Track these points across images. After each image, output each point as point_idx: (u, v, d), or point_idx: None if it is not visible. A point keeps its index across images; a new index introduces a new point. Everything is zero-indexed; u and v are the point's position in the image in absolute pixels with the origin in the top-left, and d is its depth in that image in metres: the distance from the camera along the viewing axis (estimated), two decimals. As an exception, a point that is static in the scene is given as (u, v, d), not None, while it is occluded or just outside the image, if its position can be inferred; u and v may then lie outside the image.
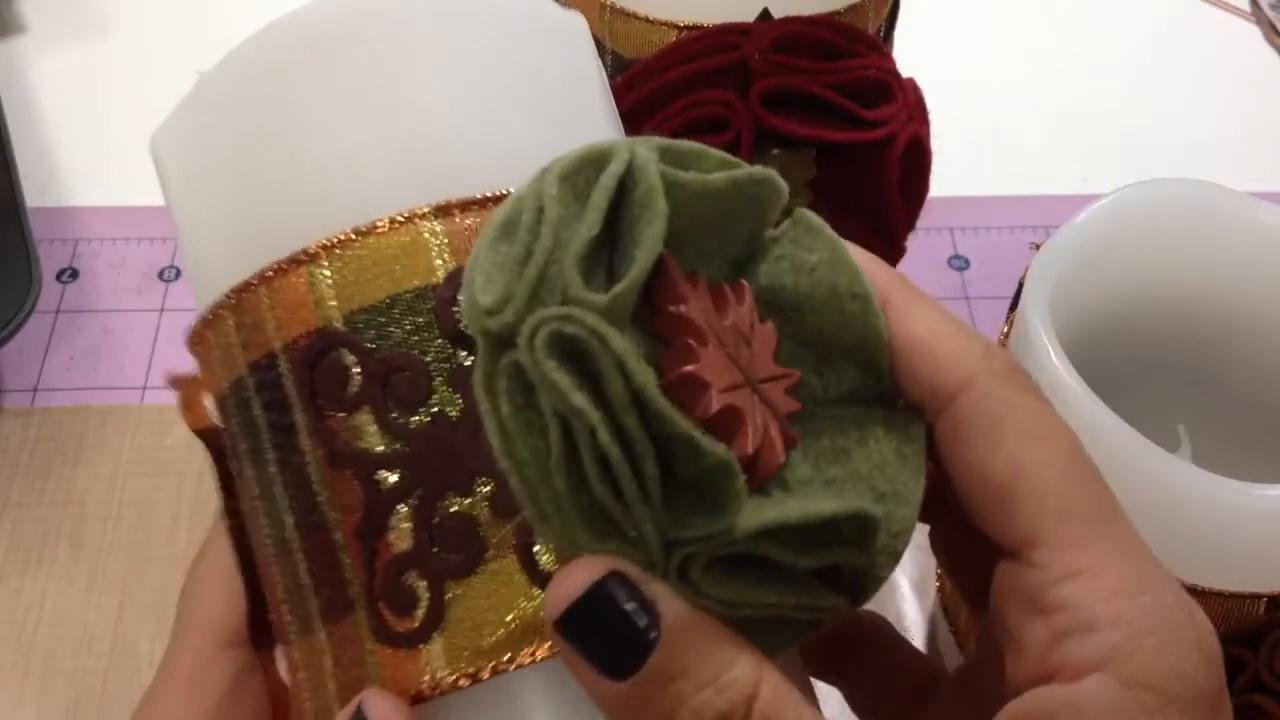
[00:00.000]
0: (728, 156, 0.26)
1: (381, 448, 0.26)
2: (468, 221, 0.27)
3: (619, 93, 0.44)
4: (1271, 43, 0.74)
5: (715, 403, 0.24)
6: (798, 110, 0.44)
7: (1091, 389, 0.36)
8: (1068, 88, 0.72)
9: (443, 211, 0.27)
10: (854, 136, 0.44)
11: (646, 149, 0.24)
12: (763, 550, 0.24)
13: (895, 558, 0.25)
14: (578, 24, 0.31)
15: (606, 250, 0.24)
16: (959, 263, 0.62)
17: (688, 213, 0.25)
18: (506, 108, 0.29)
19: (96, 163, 0.65)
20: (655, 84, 0.44)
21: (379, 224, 0.27)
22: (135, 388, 0.56)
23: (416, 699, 0.26)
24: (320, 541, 0.27)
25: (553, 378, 0.22)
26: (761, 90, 0.43)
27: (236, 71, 0.29)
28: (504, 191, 0.27)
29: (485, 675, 0.26)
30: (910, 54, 0.52)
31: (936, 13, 0.73)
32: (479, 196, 0.27)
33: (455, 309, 0.26)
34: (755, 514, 0.23)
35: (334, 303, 0.27)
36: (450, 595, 0.26)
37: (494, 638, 0.26)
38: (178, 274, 0.60)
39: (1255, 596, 0.35)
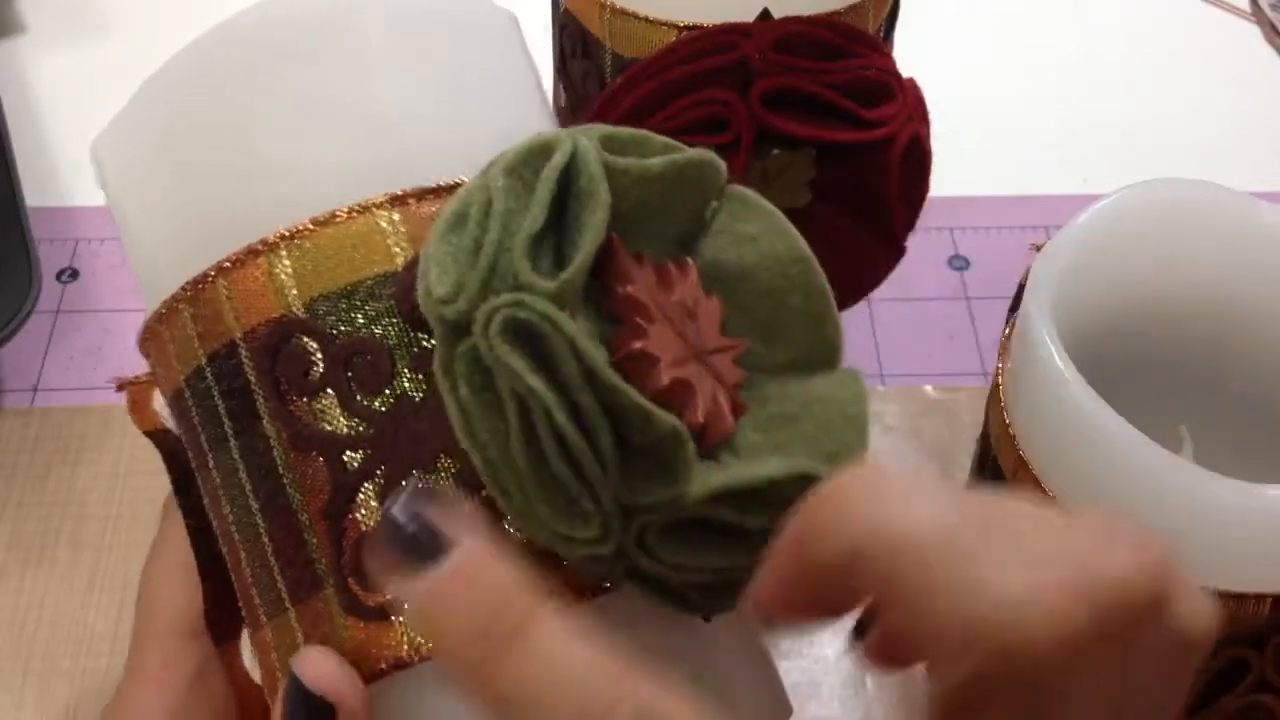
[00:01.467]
0: (670, 141, 0.27)
1: (346, 429, 0.27)
2: (423, 210, 0.28)
3: (619, 93, 0.44)
4: (1271, 43, 0.74)
5: (665, 376, 0.25)
6: (798, 110, 0.44)
7: (1093, 389, 0.36)
8: (1068, 88, 0.72)
9: (398, 201, 0.28)
10: (854, 136, 0.44)
11: (588, 139, 0.26)
12: (715, 514, 0.25)
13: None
14: (506, 18, 0.32)
15: (554, 238, 0.25)
16: (959, 263, 0.62)
17: (631, 197, 0.26)
18: (453, 103, 0.29)
19: (96, 163, 0.65)
20: (655, 84, 0.44)
21: (337, 214, 0.27)
22: (135, 388, 0.56)
23: (397, 666, 0.27)
24: (285, 522, 0.27)
25: (508, 361, 0.23)
26: (761, 90, 0.43)
27: (184, 73, 0.29)
28: (458, 180, 0.28)
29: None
30: (910, 54, 0.52)
31: (936, 13, 0.73)
32: (433, 185, 0.28)
33: (414, 294, 0.26)
34: (705, 479, 0.25)
35: (294, 290, 0.27)
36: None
37: None
38: (177, 274, 0.60)
39: (1259, 596, 0.35)
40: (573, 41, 0.51)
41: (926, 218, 0.47)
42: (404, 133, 0.29)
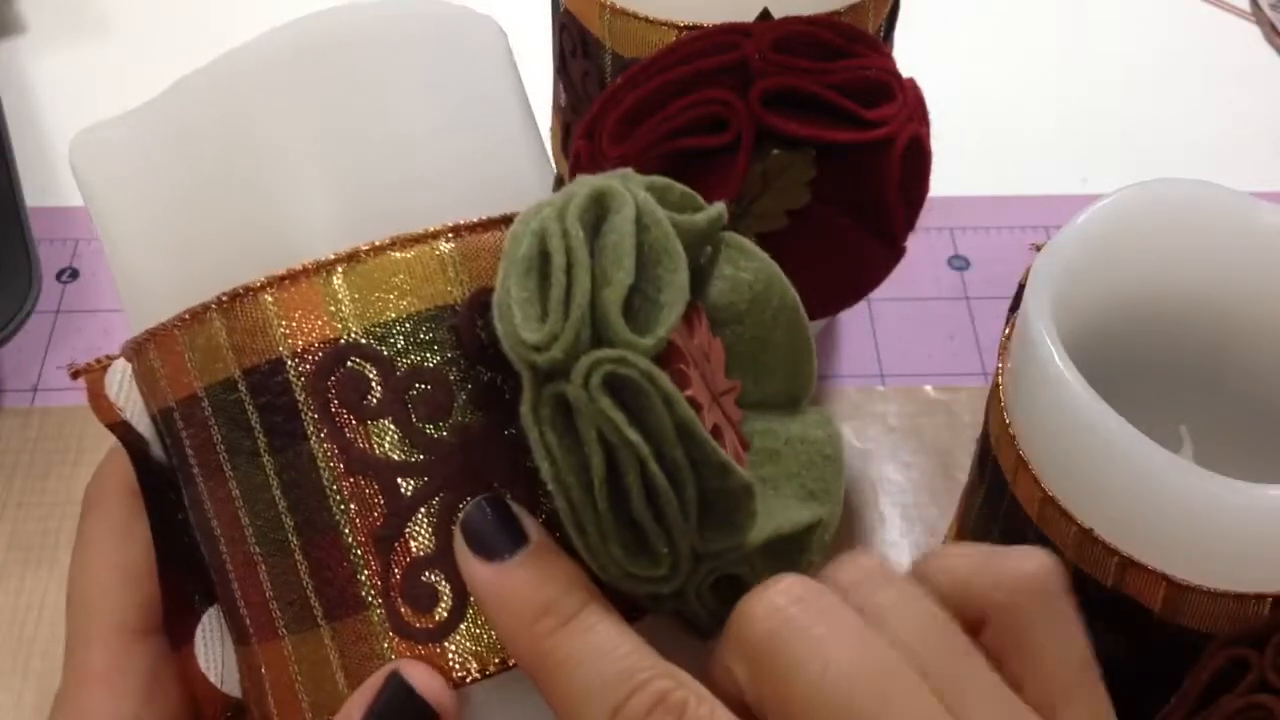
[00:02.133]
0: (685, 189, 0.29)
1: (401, 456, 0.27)
2: (478, 241, 0.28)
3: (619, 92, 0.44)
4: (1271, 43, 0.74)
5: (708, 423, 0.27)
6: (798, 110, 0.44)
7: (1093, 389, 0.36)
8: (1068, 88, 0.72)
9: (456, 231, 0.28)
10: (854, 136, 0.44)
11: (643, 191, 0.27)
12: (752, 564, 0.27)
13: (825, 547, 0.29)
14: (495, 31, 0.33)
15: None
16: (959, 263, 0.62)
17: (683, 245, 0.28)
18: (449, 129, 0.30)
19: (96, 163, 0.65)
20: (655, 84, 0.44)
21: (395, 239, 0.28)
22: (135, 388, 0.56)
23: (451, 687, 0.27)
24: (327, 541, 0.28)
25: (610, 415, 0.25)
26: (761, 90, 0.43)
27: (198, 94, 0.29)
28: (505, 214, 0.29)
29: (513, 662, 0.27)
30: (910, 54, 0.52)
31: (936, 13, 0.73)
32: (484, 219, 0.29)
33: (478, 328, 0.28)
34: (761, 527, 0.27)
35: (353, 314, 0.28)
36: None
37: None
38: (177, 274, 0.60)
39: (1260, 596, 0.35)
40: (573, 41, 0.51)
41: (926, 218, 0.47)
42: (401, 162, 0.29)
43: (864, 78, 0.44)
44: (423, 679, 0.27)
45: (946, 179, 0.50)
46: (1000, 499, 0.40)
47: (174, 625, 0.31)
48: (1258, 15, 0.75)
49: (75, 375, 0.31)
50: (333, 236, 0.28)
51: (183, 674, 0.31)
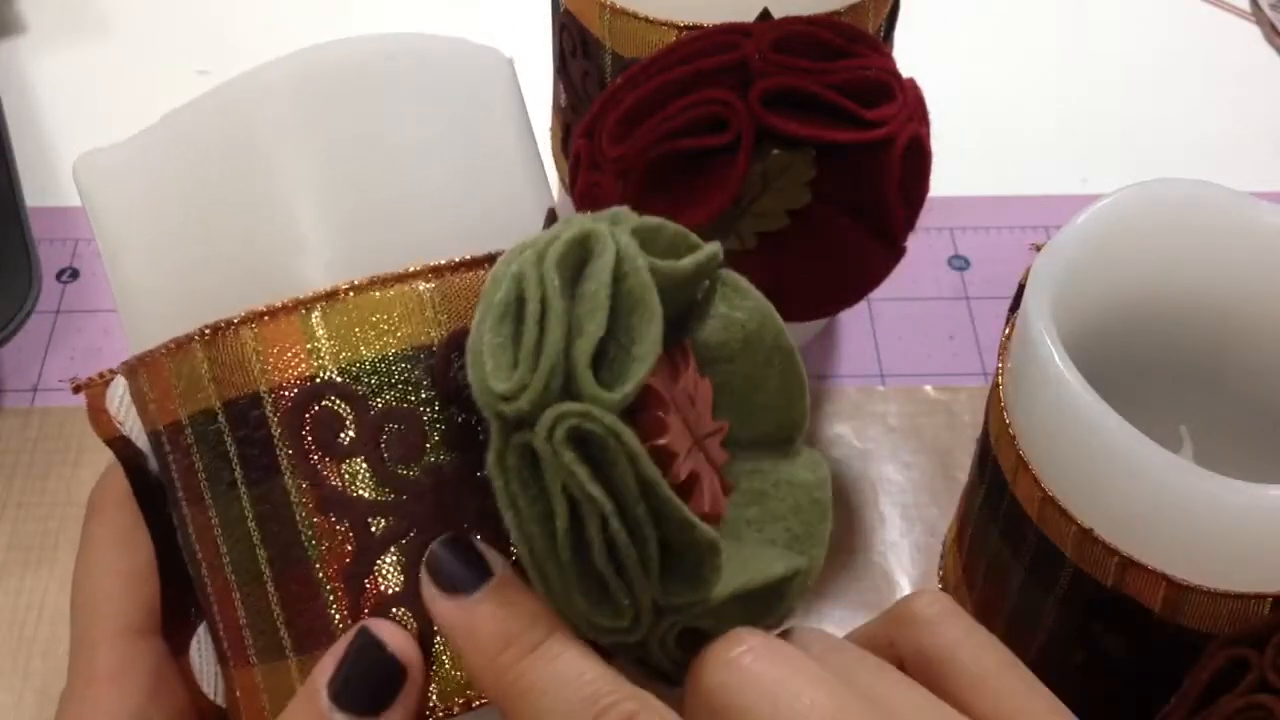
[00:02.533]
0: (680, 229, 0.29)
1: (373, 495, 0.27)
2: (458, 281, 0.29)
3: (619, 92, 0.44)
4: (1271, 43, 0.74)
5: (682, 471, 0.27)
6: (798, 110, 0.44)
7: (1093, 389, 0.36)
8: (1068, 88, 0.72)
9: (436, 272, 0.28)
10: (854, 136, 0.44)
11: (627, 236, 0.27)
12: (720, 615, 0.27)
13: (807, 592, 0.29)
14: (505, 66, 0.33)
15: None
16: (959, 263, 0.62)
17: (667, 289, 0.27)
18: (458, 169, 0.30)
19: (96, 163, 0.65)
20: (655, 84, 0.44)
21: (375, 279, 0.28)
22: (135, 388, 0.56)
23: None
24: (301, 577, 0.28)
25: (572, 469, 0.25)
26: (761, 90, 0.43)
27: (205, 120, 0.29)
28: (489, 253, 0.29)
29: (476, 703, 0.27)
30: (910, 54, 0.52)
31: (936, 13, 0.73)
32: (467, 258, 0.29)
33: (453, 371, 0.28)
34: (727, 581, 0.26)
35: (329, 353, 0.28)
36: (439, 632, 0.28)
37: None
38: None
39: (1260, 596, 0.35)
40: (573, 41, 0.51)
41: (926, 218, 0.47)
42: (402, 196, 0.29)
43: (864, 78, 0.44)
44: (391, 634, 0.27)
45: (946, 179, 0.50)
46: (1000, 499, 0.40)
47: (173, 635, 0.32)
48: (1258, 15, 0.75)
49: (77, 390, 0.31)
50: (331, 268, 0.28)
51: (185, 678, 0.32)
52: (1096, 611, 0.38)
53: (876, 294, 0.49)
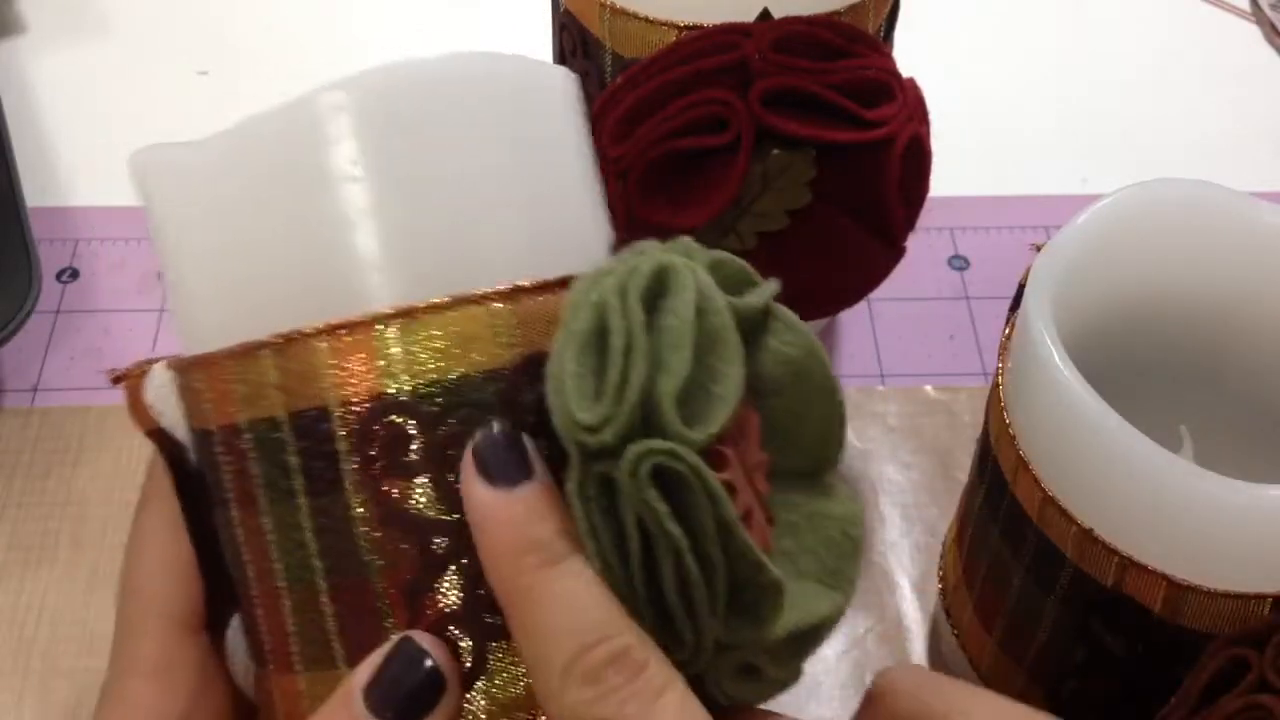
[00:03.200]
0: (741, 263, 0.29)
1: (435, 514, 0.27)
2: (533, 304, 0.28)
3: (619, 92, 0.44)
4: (1271, 43, 0.74)
5: (740, 507, 0.27)
6: (798, 110, 0.44)
7: (1093, 389, 0.36)
8: (1068, 88, 0.72)
9: (512, 293, 0.28)
10: (854, 136, 0.44)
11: (705, 272, 0.27)
12: (771, 653, 0.27)
13: (835, 627, 0.29)
14: (571, 86, 0.32)
15: None
16: (959, 263, 0.62)
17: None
18: (531, 193, 0.30)
19: (96, 163, 0.65)
20: (655, 84, 0.44)
21: (455, 298, 0.28)
22: (135, 388, 0.56)
23: None
24: (356, 587, 0.28)
25: (655, 506, 0.25)
26: (761, 90, 0.43)
27: (272, 138, 0.29)
28: (561, 277, 0.29)
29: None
30: (910, 54, 0.52)
31: (936, 13, 0.73)
32: (540, 282, 0.29)
33: (523, 396, 0.28)
34: (784, 620, 0.27)
35: (402, 371, 0.28)
36: (492, 651, 0.28)
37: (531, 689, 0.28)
38: (178, 274, 0.60)
39: (1260, 597, 0.35)
40: (573, 41, 0.51)
41: (926, 218, 0.47)
42: (467, 221, 0.29)
43: (864, 78, 0.44)
44: (433, 645, 0.27)
45: (946, 179, 0.50)
46: (1000, 499, 0.40)
47: (215, 629, 0.32)
48: (1258, 15, 0.75)
49: (116, 381, 0.31)
50: (393, 289, 0.28)
51: (227, 673, 0.32)
52: (1096, 611, 0.38)
53: (876, 294, 0.49)
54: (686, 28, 0.47)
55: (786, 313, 0.30)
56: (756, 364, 0.29)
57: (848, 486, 0.31)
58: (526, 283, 0.28)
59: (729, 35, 0.44)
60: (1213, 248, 0.41)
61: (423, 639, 0.27)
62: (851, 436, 0.55)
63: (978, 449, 0.44)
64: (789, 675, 0.29)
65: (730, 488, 0.26)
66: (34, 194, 0.61)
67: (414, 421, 0.27)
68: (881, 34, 0.51)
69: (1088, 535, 0.37)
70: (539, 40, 0.56)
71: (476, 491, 0.27)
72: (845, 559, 0.29)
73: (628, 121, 0.44)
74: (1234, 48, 0.74)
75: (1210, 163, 0.67)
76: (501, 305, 0.28)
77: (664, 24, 0.47)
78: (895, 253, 0.47)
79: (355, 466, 0.28)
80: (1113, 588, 0.37)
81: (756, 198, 0.45)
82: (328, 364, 0.28)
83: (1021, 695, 0.42)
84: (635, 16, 0.48)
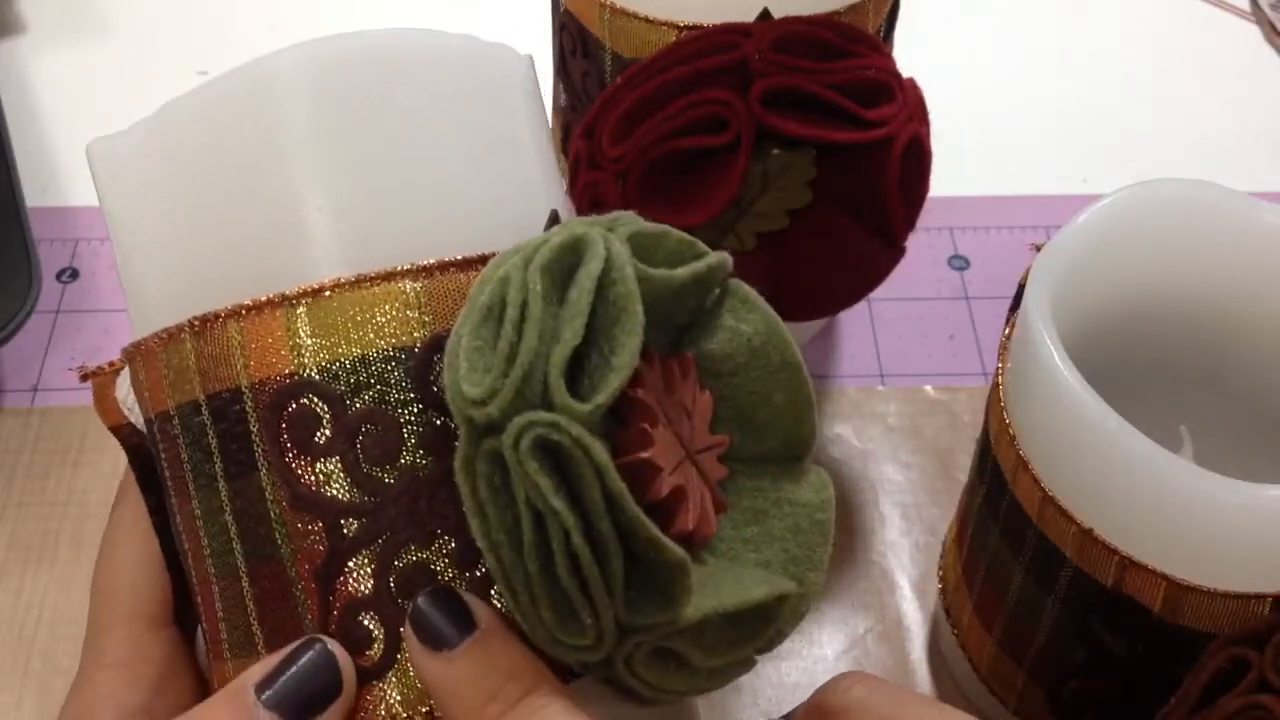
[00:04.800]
0: (685, 236, 0.28)
1: (347, 497, 0.27)
2: (447, 282, 0.28)
3: (619, 92, 0.44)
4: (1271, 43, 0.74)
5: (665, 486, 0.26)
6: (798, 110, 0.44)
7: (1093, 389, 0.36)
8: (1068, 88, 0.72)
9: (424, 271, 0.28)
10: (854, 136, 0.44)
11: (620, 243, 0.26)
12: (695, 639, 0.26)
13: (801, 617, 0.28)
14: (525, 65, 0.32)
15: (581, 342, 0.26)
16: (959, 263, 0.62)
17: (650, 300, 0.26)
18: (472, 167, 0.29)
19: (96, 163, 0.65)
20: (655, 84, 0.44)
21: (362, 277, 0.27)
22: (135, 388, 0.56)
23: None
24: (272, 573, 0.28)
25: (536, 480, 0.24)
26: (761, 90, 0.43)
27: (211, 106, 0.29)
28: (482, 254, 0.28)
29: (438, 715, 0.27)
30: (910, 54, 0.52)
31: (936, 13, 0.73)
32: (458, 259, 0.28)
33: (433, 374, 0.27)
34: (699, 604, 0.26)
35: (310, 351, 0.27)
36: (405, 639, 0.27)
37: None
38: (178, 274, 0.60)
39: (1260, 597, 0.35)
40: (573, 41, 0.51)
41: (926, 218, 0.47)
42: (422, 196, 0.29)
43: (864, 78, 0.44)
44: (340, 652, 0.27)
45: (946, 179, 0.50)
46: (1000, 499, 0.40)
47: (184, 624, 0.32)
48: (1258, 15, 0.75)
49: (85, 378, 0.31)
50: (338, 263, 0.28)
51: (197, 668, 0.32)
52: (1096, 611, 0.38)
53: (876, 294, 0.49)
54: (686, 28, 0.47)
55: (746, 290, 0.29)
56: (711, 343, 0.29)
57: (821, 472, 0.30)
58: (440, 260, 0.28)
59: (729, 35, 0.44)
60: (1213, 248, 0.41)
61: (331, 643, 0.27)
62: (851, 436, 0.55)
63: (977, 449, 0.44)
64: (730, 665, 0.28)
65: (650, 467, 0.26)
66: (34, 194, 0.61)
67: (323, 402, 0.27)
68: (881, 34, 0.51)
69: (1088, 535, 0.37)
70: (539, 40, 0.56)
71: (425, 662, 0.27)
72: (813, 546, 0.29)
73: (628, 121, 0.44)
74: (1234, 48, 0.74)
75: (1210, 163, 0.67)
76: (413, 283, 0.28)
77: (664, 24, 0.47)
78: (895, 253, 0.47)
79: (266, 448, 0.27)
80: (1113, 588, 0.37)
81: (756, 198, 0.45)
82: (239, 345, 0.28)
83: (1021, 695, 0.42)
84: (635, 16, 0.48)
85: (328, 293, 0.27)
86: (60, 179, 0.65)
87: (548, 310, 0.25)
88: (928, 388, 0.57)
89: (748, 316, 0.29)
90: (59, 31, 0.73)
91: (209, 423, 0.28)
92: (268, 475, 0.27)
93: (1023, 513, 0.39)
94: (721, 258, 0.29)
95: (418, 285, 0.28)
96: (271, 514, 0.28)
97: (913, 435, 0.55)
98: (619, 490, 0.24)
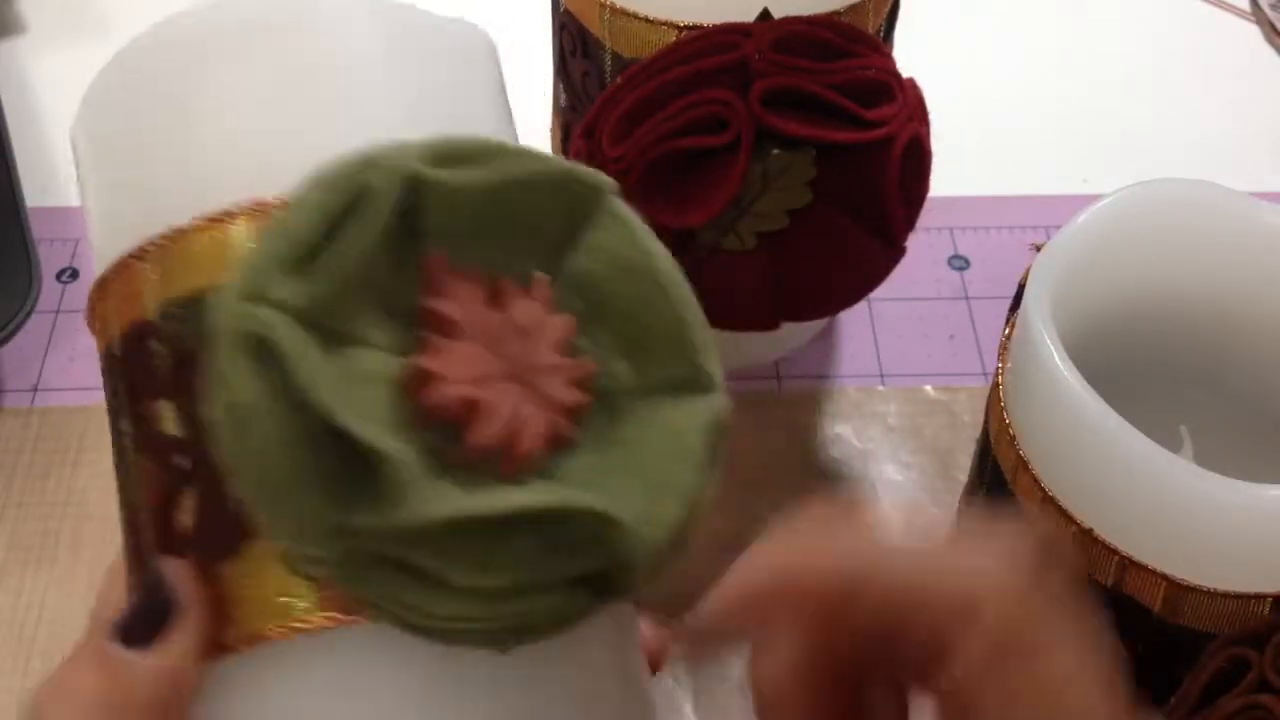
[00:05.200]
0: (537, 153, 0.26)
1: (177, 434, 0.27)
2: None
3: (619, 92, 0.44)
4: (1271, 43, 0.74)
5: (451, 392, 0.25)
6: (798, 110, 0.44)
7: (1093, 389, 0.36)
8: (1068, 88, 0.72)
9: (258, 211, 0.28)
10: (854, 136, 0.44)
11: (405, 155, 0.25)
12: (434, 557, 0.24)
13: (655, 555, 0.25)
14: (484, 43, 0.32)
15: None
16: (959, 263, 0.62)
17: (466, 211, 0.26)
18: (412, 126, 0.28)
19: (96, 163, 0.65)
20: (655, 84, 0.44)
21: (195, 222, 0.28)
22: (135, 388, 0.56)
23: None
24: (134, 519, 0.29)
25: (225, 372, 0.24)
26: (761, 90, 0.43)
27: (139, 58, 0.30)
28: None
29: (242, 647, 0.27)
30: (910, 54, 0.52)
31: (936, 13, 0.73)
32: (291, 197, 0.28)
33: None
34: (431, 506, 0.24)
35: (152, 294, 0.28)
36: (224, 572, 0.27)
37: (258, 613, 0.27)
38: (177, 274, 0.60)
39: (1260, 596, 0.35)
40: (573, 41, 0.51)
41: (926, 218, 0.47)
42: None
43: (864, 78, 0.44)
44: (171, 570, 0.27)
45: (946, 179, 0.50)
46: (1000, 499, 0.40)
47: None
48: (1258, 15, 0.75)
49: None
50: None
51: None
52: (1096, 611, 0.38)
53: (876, 294, 0.49)
54: (686, 28, 0.47)
55: (617, 206, 0.28)
56: (582, 263, 0.27)
57: (714, 399, 0.27)
58: (272, 199, 0.27)
59: (729, 35, 0.44)
60: (1213, 248, 0.41)
61: (162, 563, 0.27)
62: (851, 436, 0.55)
63: (978, 449, 0.44)
64: (524, 590, 0.25)
65: (427, 375, 0.25)
66: (34, 194, 0.61)
67: (160, 342, 0.28)
68: (881, 34, 0.51)
69: (1088, 535, 0.37)
70: (539, 40, 0.56)
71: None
72: (675, 472, 0.26)
73: (628, 121, 0.44)
74: (1234, 48, 0.74)
75: (1210, 163, 0.67)
76: (247, 221, 0.27)
77: (664, 24, 0.47)
78: (895, 253, 0.47)
79: (124, 390, 0.28)
80: (1113, 588, 0.37)
81: (756, 198, 0.45)
82: (113, 296, 0.29)
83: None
84: (635, 16, 0.48)
85: (170, 237, 0.28)
86: (60, 179, 0.65)
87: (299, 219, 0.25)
88: (928, 388, 0.57)
89: (619, 232, 0.27)
90: (59, 31, 0.73)
91: (104, 370, 0.30)
92: (125, 418, 0.29)
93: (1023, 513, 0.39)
94: (571, 169, 0.27)
95: (249, 225, 0.27)
96: (129, 455, 0.28)
97: (913, 435, 0.55)
98: (306, 380, 0.24)
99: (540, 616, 0.25)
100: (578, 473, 0.26)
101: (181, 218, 0.28)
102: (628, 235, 0.27)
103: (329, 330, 0.25)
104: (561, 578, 0.25)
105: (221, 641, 0.27)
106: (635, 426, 0.27)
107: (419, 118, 0.29)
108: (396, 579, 0.25)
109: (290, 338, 0.24)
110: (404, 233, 0.26)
